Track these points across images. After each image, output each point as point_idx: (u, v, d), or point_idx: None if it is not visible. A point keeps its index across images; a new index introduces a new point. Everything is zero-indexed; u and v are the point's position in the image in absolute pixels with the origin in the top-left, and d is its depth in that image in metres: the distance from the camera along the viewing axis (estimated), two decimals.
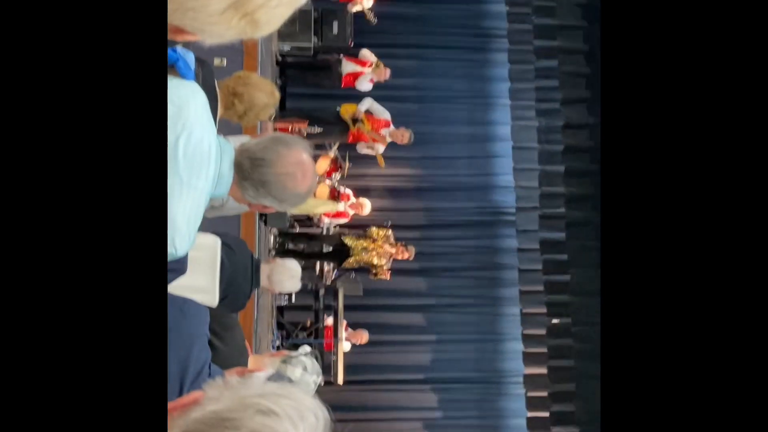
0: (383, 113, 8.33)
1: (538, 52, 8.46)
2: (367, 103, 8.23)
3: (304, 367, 2.32)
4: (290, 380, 2.20)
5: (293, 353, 2.42)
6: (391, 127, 8.29)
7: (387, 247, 7.81)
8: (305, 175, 1.82)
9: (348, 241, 7.74)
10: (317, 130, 8.11)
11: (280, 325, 8.23)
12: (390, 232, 7.95)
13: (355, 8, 8.60)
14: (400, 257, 7.81)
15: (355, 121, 8.14)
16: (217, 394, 0.81)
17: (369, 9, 8.57)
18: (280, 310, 8.47)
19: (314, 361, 2.38)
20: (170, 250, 1.72)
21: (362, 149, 8.42)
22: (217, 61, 6.38)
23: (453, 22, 10.06)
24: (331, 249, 7.89)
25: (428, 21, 9.99)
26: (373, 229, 7.92)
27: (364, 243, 7.82)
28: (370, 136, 8.20)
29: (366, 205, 8.85)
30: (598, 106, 7.46)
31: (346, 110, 8.16)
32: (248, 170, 1.78)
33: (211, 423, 0.76)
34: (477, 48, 10.14)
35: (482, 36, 10.13)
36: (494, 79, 10.00)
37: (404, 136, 8.22)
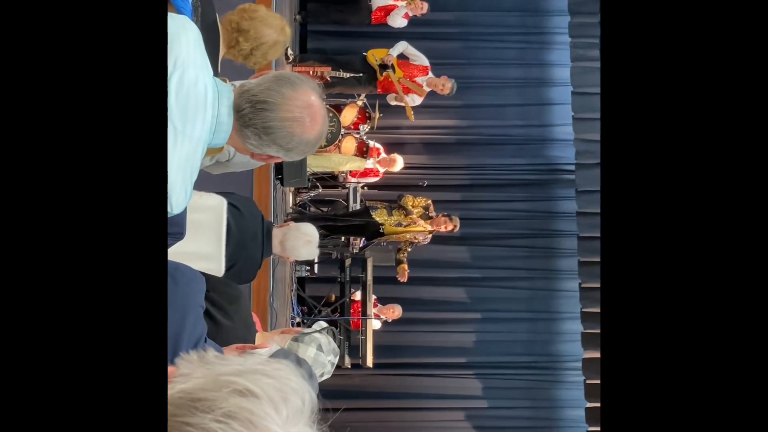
0: (420, 58, 8.28)
1: None
2: (401, 47, 8.18)
3: (319, 346, 2.35)
4: (295, 356, 2.22)
5: (306, 330, 2.45)
6: (430, 74, 8.23)
7: (423, 223, 7.77)
8: (314, 119, 1.83)
9: (378, 217, 7.71)
10: (344, 75, 8.10)
11: (300, 300, 8.34)
12: (429, 202, 7.91)
13: None
14: (443, 229, 7.78)
15: (384, 67, 8.10)
16: (189, 371, 0.80)
17: None
18: (301, 282, 8.58)
19: (330, 339, 2.41)
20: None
21: (391, 101, 8.39)
22: None
23: None
24: (357, 223, 7.89)
25: None
26: (408, 199, 7.88)
27: (396, 217, 7.79)
28: (404, 84, 8.15)
29: (398, 161, 8.86)
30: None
31: (373, 56, 8.11)
32: (249, 115, 1.81)
33: (178, 404, 0.76)
34: None
35: None
36: (551, 12, 9.91)
37: (445, 85, 8.15)
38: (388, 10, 8.58)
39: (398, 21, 8.56)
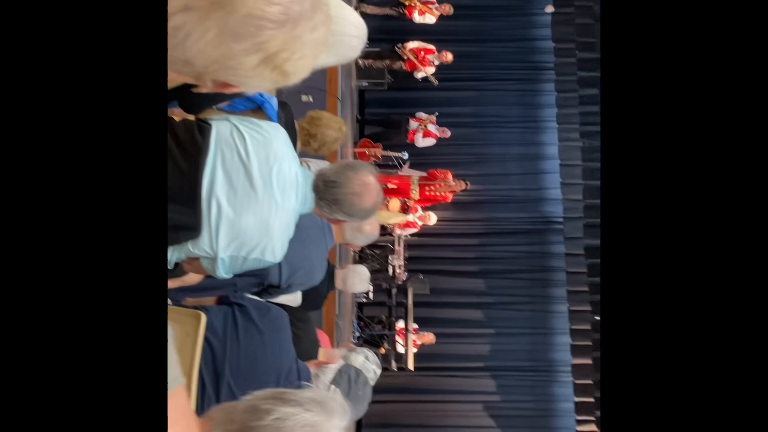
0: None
1: (582, 82, 8.32)
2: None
3: (366, 357, 2.34)
4: (355, 368, 2.23)
5: (356, 346, 2.47)
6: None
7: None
8: (370, 193, 1.83)
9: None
10: (391, 154, 8.19)
11: (360, 319, 8.34)
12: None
13: (420, 75, 8.63)
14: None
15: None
16: (223, 419, 0.77)
17: (432, 74, 8.60)
18: (360, 306, 8.58)
19: (374, 354, 2.41)
20: (269, 257, 1.76)
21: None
22: (304, 98, 6.53)
23: (507, 57, 9.99)
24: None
25: (485, 57, 9.94)
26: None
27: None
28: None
29: (432, 217, 8.86)
30: None
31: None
32: (323, 191, 1.82)
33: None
34: (528, 79, 10.04)
35: (532, 69, 10.02)
36: (543, 106, 9.87)
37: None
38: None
39: (421, 141, 8.66)
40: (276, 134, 1.81)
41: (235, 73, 0.79)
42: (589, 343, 8.18)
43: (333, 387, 1.67)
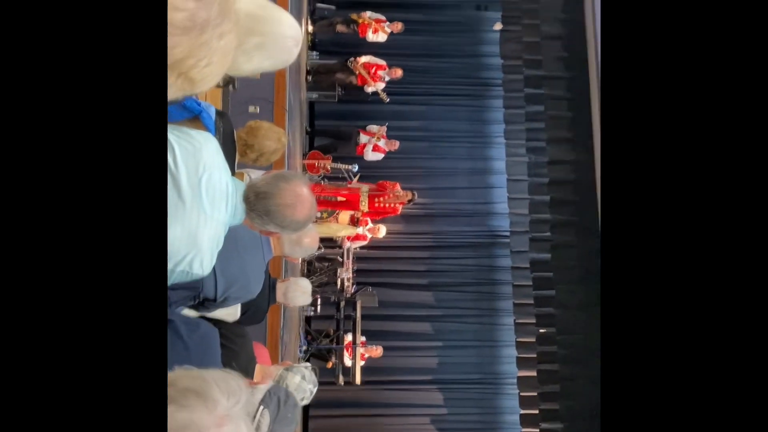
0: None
1: (528, 99, 8.46)
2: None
3: (303, 376, 2.29)
4: (288, 387, 2.17)
5: (295, 365, 2.41)
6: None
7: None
8: (303, 205, 1.78)
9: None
10: (341, 166, 8.17)
11: (307, 333, 8.22)
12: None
13: (370, 89, 8.66)
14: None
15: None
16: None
17: (382, 90, 8.63)
18: (308, 320, 8.47)
19: (312, 373, 2.35)
20: (197, 270, 1.71)
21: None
22: (251, 109, 6.45)
23: (457, 73, 10.13)
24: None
25: (436, 72, 10.06)
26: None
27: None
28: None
29: (382, 230, 8.84)
30: (578, 144, 7.43)
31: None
32: (254, 202, 1.77)
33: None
34: (477, 95, 10.19)
35: (481, 85, 10.17)
36: (491, 122, 10.04)
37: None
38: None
39: (370, 155, 8.69)
40: (206, 143, 1.76)
41: None
42: (534, 355, 8.27)
43: (262, 408, 1.61)
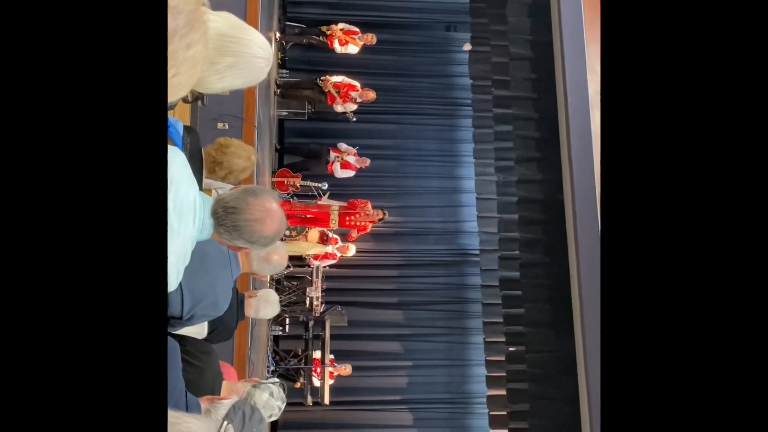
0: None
1: (497, 119, 8.56)
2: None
3: (271, 393, 2.27)
4: (255, 404, 2.15)
5: (263, 381, 2.38)
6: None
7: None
8: (272, 220, 1.76)
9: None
10: (310, 184, 8.16)
11: (275, 353, 8.13)
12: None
13: (339, 108, 8.70)
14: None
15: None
16: None
17: (351, 111, 8.69)
18: (276, 339, 8.38)
19: (281, 389, 2.33)
20: None
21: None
22: (220, 125, 6.40)
23: (427, 92, 10.21)
24: None
25: (406, 91, 10.13)
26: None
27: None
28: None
29: (351, 248, 8.82)
30: (546, 163, 7.54)
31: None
32: (222, 217, 1.75)
33: None
34: (446, 114, 10.28)
35: (451, 105, 10.27)
36: (460, 141, 10.12)
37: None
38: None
39: (339, 172, 8.73)
40: (174, 157, 1.74)
41: None
42: (504, 374, 8.28)
43: (226, 423, 1.58)
